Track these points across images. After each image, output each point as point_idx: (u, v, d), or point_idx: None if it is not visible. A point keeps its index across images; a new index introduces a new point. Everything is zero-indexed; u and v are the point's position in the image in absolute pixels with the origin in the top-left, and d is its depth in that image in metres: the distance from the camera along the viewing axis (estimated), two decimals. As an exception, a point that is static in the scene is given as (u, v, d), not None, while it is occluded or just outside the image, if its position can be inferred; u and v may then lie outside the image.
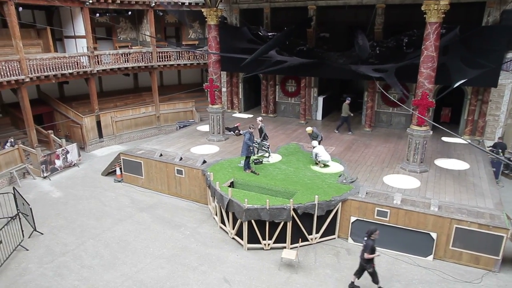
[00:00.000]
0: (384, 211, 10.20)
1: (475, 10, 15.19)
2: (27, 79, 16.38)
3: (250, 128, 12.79)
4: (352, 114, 16.93)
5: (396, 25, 16.58)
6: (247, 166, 12.54)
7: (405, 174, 12.32)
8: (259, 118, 14.99)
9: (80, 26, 19.32)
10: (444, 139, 16.03)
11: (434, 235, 9.79)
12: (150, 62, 21.00)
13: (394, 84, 13.65)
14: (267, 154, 13.67)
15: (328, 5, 17.34)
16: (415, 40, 14.24)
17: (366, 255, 8.16)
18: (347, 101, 16.80)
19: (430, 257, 9.95)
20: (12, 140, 16.55)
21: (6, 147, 16.10)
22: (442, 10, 10.99)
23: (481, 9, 14.89)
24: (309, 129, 14.00)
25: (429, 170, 12.63)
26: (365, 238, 8.20)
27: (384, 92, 15.49)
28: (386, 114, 17.85)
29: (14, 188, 12.80)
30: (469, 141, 15.66)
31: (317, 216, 10.44)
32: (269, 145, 13.83)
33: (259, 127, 14.50)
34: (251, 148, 12.34)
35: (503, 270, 9.40)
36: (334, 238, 10.98)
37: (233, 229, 10.83)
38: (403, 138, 15.95)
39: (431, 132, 12.48)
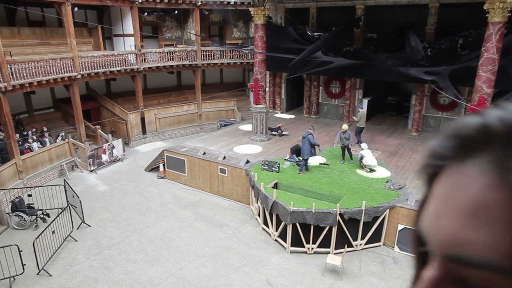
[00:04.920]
0: (435, 221, 9.73)
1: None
2: (79, 76, 17.01)
3: (310, 130, 12.53)
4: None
5: (450, 26, 15.88)
6: (305, 167, 12.45)
7: (457, 183, 11.71)
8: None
9: (129, 24, 19.85)
10: None
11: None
12: (194, 60, 21.24)
13: (447, 88, 13.00)
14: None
15: (377, 4, 16.86)
16: (471, 41, 13.52)
17: None
18: (362, 109, 15.13)
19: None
20: (63, 134, 17.24)
21: (57, 140, 16.80)
22: (508, 9, 10.33)
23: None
24: (345, 126, 13.15)
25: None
26: None
27: (445, 94, 14.71)
28: (434, 119, 17.09)
29: (65, 181, 13.34)
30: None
31: (364, 222, 10.13)
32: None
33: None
34: (312, 150, 12.17)
35: None
36: (380, 246, 10.61)
37: (276, 231, 10.71)
38: (453, 144, 15.21)
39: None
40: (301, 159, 12.45)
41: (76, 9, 17.34)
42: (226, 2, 20.35)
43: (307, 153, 12.06)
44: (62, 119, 20.30)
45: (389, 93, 21.05)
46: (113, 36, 21.67)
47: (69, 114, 19.09)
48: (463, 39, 13.83)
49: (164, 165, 15.55)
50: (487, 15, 10.69)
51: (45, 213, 12.25)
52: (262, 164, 12.72)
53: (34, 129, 16.89)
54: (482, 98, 11.13)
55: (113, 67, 18.42)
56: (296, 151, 13.39)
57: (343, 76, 18.14)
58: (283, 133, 16.67)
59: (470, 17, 15.30)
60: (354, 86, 18.50)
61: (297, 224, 10.02)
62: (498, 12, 10.40)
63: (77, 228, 11.67)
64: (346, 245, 9.83)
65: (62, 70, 16.27)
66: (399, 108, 19.89)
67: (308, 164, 12.57)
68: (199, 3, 20.44)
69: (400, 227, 10.24)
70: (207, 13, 21.75)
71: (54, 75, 15.83)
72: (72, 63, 16.73)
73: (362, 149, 12.60)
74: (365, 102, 18.58)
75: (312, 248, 10.18)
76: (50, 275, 9.45)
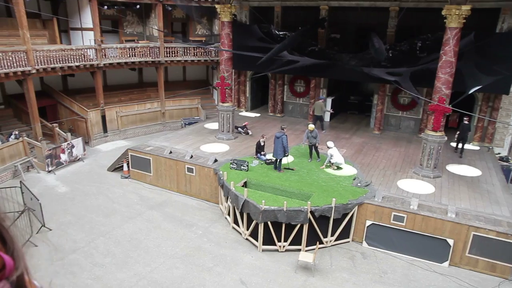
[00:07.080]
0: (401, 216, 10.14)
1: (489, 16, 15.17)
2: (34, 71, 16.07)
3: (283, 130, 12.60)
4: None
5: (409, 29, 16.55)
6: (280, 167, 12.53)
7: (418, 179, 12.27)
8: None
9: (87, 18, 18.99)
10: (454, 144, 15.99)
11: (451, 241, 9.75)
12: (157, 57, 20.71)
13: (409, 88, 13.57)
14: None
15: (340, 5, 17.25)
16: (429, 44, 14.19)
17: None
18: (322, 100, 17.34)
19: (446, 263, 9.91)
20: (17, 132, 16.22)
21: (10, 139, 15.79)
22: (463, 16, 10.92)
23: (495, 15, 14.89)
24: (311, 126, 13.49)
25: (442, 175, 12.59)
26: None
27: (413, 95, 15.16)
28: (395, 118, 17.79)
29: (21, 182, 12.56)
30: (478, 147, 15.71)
31: (333, 219, 10.36)
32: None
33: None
34: (286, 151, 12.25)
35: (520, 278, 9.40)
36: (348, 242, 10.90)
37: (247, 230, 10.70)
38: (412, 142, 15.95)
39: (445, 138, 12.44)
40: (275, 159, 12.51)
41: (28, -2, 16.35)
42: (190, -2, 20.01)
43: (281, 153, 12.15)
44: (14, 117, 19.12)
45: (351, 93, 21.65)
46: (70, 30, 20.65)
47: (23, 111, 18.01)
48: (422, 42, 14.49)
49: (128, 164, 15.06)
50: (445, 20, 11.22)
51: (-1, 217, 11.44)
52: (231, 163, 12.66)
53: (-17, 127, 15.78)
54: (441, 99, 11.70)
55: (71, 62, 17.56)
56: (257, 150, 13.57)
57: (308, 75, 18.44)
58: (248, 132, 16.63)
59: (427, 21, 16.06)
60: (319, 85, 18.84)
61: (269, 223, 10.07)
62: (455, 18, 10.95)
63: (37, 233, 11.04)
64: (318, 242, 10.00)
65: (14, 64, 15.30)
66: (361, 107, 20.51)
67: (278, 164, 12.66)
68: (162, -2, 19.95)
69: (368, 223, 10.57)
70: (170, 8, 21.26)
71: (5, 69, 14.87)
72: (25, 57, 15.77)
73: (330, 148, 12.86)
74: (329, 101, 18.99)
75: (283, 246, 10.27)
76: (9, 284, 8.87)
